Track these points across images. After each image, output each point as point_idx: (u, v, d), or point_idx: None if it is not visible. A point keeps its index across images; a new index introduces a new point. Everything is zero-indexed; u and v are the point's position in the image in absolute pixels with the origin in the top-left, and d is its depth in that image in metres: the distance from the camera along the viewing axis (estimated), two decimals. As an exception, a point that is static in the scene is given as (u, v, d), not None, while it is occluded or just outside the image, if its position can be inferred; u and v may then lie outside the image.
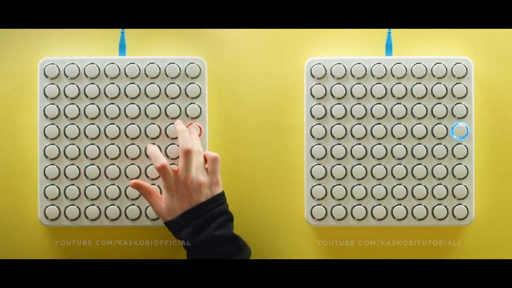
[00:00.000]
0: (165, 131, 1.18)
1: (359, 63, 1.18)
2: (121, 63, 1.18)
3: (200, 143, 1.17)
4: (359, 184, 1.19)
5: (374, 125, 1.18)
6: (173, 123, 1.18)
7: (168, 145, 1.18)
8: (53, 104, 1.18)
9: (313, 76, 1.18)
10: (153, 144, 1.18)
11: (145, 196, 1.15)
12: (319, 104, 1.19)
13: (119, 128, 1.19)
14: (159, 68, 1.19)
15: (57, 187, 1.18)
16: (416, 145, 1.18)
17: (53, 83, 1.18)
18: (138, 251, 1.21)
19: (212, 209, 1.12)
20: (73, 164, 1.18)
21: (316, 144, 1.19)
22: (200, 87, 1.19)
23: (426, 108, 1.18)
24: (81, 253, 1.21)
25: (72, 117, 1.18)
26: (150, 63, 1.18)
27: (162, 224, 1.18)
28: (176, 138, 1.17)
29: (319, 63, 1.18)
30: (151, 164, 1.18)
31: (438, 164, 1.18)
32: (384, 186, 1.18)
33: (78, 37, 1.21)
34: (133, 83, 1.18)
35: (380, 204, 1.19)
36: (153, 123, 1.18)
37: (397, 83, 1.18)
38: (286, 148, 1.21)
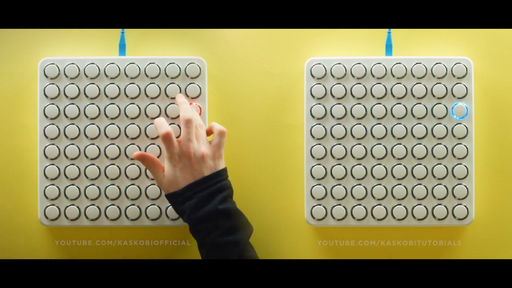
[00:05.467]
0: (165, 131, 1.18)
1: (359, 63, 1.18)
2: (121, 63, 1.18)
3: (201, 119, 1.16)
4: (359, 184, 1.19)
5: (374, 125, 1.18)
6: (173, 123, 1.18)
7: (168, 145, 1.18)
8: (53, 104, 1.18)
9: (313, 76, 1.19)
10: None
11: (149, 167, 1.14)
12: (319, 104, 1.19)
13: (119, 128, 1.19)
14: (159, 68, 1.19)
15: (57, 187, 1.18)
16: (416, 145, 1.18)
17: (53, 83, 1.18)
18: (138, 251, 1.21)
19: (217, 183, 1.11)
20: (73, 164, 1.18)
21: (316, 144, 1.19)
22: (200, 87, 1.19)
23: (426, 108, 1.18)
24: (81, 253, 1.21)
25: (72, 117, 1.18)
26: (150, 63, 1.19)
27: (162, 224, 1.18)
28: (177, 137, 1.17)
29: (319, 63, 1.18)
30: (151, 164, 1.18)
31: (438, 164, 1.18)
32: (384, 186, 1.18)
33: (78, 37, 1.21)
34: (133, 83, 1.19)
35: (380, 204, 1.19)
36: (153, 123, 1.18)
37: (397, 83, 1.18)
38: (286, 148, 1.21)
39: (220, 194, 1.11)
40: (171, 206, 1.18)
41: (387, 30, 1.20)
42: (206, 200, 1.10)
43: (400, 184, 1.19)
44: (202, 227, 1.10)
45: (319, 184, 1.19)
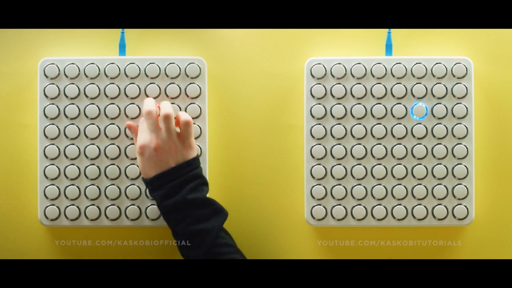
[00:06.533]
0: (165, 131, 1.18)
1: (359, 63, 1.18)
2: (121, 63, 1.18)
3: (171, 107, 1.15)
4: (359, 184, 1.19)
5: (374, 125, 1.18)
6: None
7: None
8: (53, 104, 1.18)
9: (313, 76, 1.19)
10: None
11: (134, 139, 1.16)
12: (319, 104, 1.19)
13: (119, 128, 1.19)
14: (159, 68, 1.19)
15: (57, 187, 1.18)
16: (416, 145, 1.18)
17: (53, 83, 1.18)
18: (138, 251, 1.21)
19: (186, 173, 1.11)
20: (73, 164, 1.18)
21: (316, 144, 1.19)
22: (200, 87, 1.19)
23: (426, 108, 1.18)
24: (81, 253, 1.21)
25: (72, 117, 1.18)
26: (150, 63, 1.18)
27: (162, 224, 1.18)
28: None
29: (319, 63, 1.18)
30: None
31: (438, 164, 1.18)
32: (384, 186, 1.18)
33: (78, 37, 1.21)
34: (133, 83, 1.19)
35: (380, 204, 1.19)
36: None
37: (397, 83, 1.18)
38: (286, 148, 1.21)
39: (190, 184, 1.11)
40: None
41: (387, 30, 1.20)
42: (174, 190, 1.10)
43: (400, 184, 1.19)
44: (172, 216, 1.10)
45: (319, 184, 1.19)
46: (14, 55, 1.21)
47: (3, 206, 1.21)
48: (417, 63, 1.18)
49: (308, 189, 1.19)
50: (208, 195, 1.13)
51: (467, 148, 1.18)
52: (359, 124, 1.18)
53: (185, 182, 1.11)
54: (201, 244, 1.09)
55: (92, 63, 1.18)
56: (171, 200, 1.10)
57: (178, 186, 1.11)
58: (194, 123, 1.18)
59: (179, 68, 1.19)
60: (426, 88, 1.18)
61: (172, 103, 1.18)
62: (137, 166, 1.18)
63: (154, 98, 1.18)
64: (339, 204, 1.19)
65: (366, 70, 1.18)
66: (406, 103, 1.18)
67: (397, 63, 1.18)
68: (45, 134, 1.18)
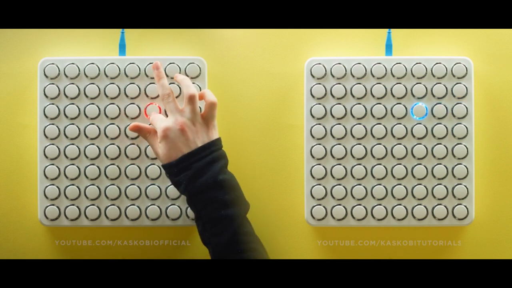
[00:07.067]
0: (165, 131, 1.18)
1: (359, 63, 1.18)
2: (121, 63, 1.19)
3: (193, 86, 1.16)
4: (359, 184, 1.19)
5: (374, 125, 1.18)
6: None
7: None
8: (53, 104, 1.18)
9: (313, 76, 1.19)
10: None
11: (146, 138, 1.15)
12: (319, 104, 1.19)
13: (119, 128, 1.19)
14: (159, 68, 1.19)
15: (57, 187, 1.18)
16: (416, 145, 1.18)
17: (53, 83, 1.18)
18: (138, 251, 1.21)
19: (212, 152, 1.11)
20: (73, 164, 1.18)
21: (316, 144, 1.19)
22: (200, 87, 1.19)
23: (426, 108, 1.18)
24: (81, 253, 1.21)
25: (72, 117, 1.18)
26: (150, 63, 1.19)
27: (163, 224, 1.18)
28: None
29: (319, 63, 1.18)
30: (151, 164, 1.18)
31: (438, 164, 1.18)
32: (384, 186, 1.18)
33: (78, 37, 1.21)
34: (133, 83, 1.19)
35: (380, 204, 1.19)
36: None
37: (397, 83, 1.18)
38: (286, 148, 1.21)
39: (217, 164, 1.10)
40: (171, 206, 1.18)
41: (387, 30, 1.20)
42: (203, 170, 1.09)
43: (400, 184, 1.19)
44: (199, 199, 1.09)
45: (319, 184, 1.19)
46: (14, 55, 1.21)
47: (3, 206, 1.21)
48: (417, 63, 1.18)
49: (308, 189, 1.19)
50: None
51: (467, 148, 1.18)
52: (359, 124, 1.18)
53: (213, 161, 1.10)
54: (225, 231, 1.09)
55: (92, 63, 1.18)
56: (200, 181, 1.09)
57: (207, 166, 1.09)
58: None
59: (179, 68, 1.19)
60: (426, 88, 1.18)
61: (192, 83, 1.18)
62: (155, 155, 1.15)
63: (154, 98, 1.18)
64: (339, 204, 1.19)
65: (366, 70, 1.18)
66: (406, 103, 1.18)
67: (397, 63, 1.18)
68: (45, 134, 1.18)
